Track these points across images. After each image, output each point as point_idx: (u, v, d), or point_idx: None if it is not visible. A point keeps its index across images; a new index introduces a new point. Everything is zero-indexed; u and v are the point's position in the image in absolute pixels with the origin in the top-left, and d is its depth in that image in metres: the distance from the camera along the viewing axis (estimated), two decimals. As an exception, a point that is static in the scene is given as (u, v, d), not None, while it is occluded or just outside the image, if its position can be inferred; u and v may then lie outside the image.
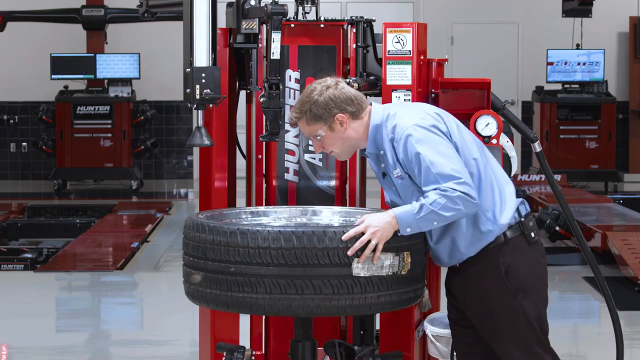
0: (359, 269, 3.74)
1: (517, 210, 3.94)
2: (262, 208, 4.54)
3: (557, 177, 12.72)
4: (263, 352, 4.82)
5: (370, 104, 4.03)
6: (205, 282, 3.84)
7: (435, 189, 3.75)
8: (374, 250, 3.74)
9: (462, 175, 3.75)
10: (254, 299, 3.76)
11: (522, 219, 3.92)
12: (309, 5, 4.72)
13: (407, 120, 3.88)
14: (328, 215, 4.45)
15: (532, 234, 3.93)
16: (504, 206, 3.90)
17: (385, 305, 3.85)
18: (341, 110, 3.94)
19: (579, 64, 14.90)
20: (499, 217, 3.89)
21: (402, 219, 3.78)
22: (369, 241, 3.74)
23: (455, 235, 3.91)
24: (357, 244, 3.73)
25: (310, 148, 4.73)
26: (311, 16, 4.73)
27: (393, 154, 3.90)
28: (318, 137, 3.99)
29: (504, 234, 3.89)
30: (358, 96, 3.99)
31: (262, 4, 4.32)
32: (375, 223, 3.77)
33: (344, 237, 3.73)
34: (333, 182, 4.74)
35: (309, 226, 4.22)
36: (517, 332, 3.89)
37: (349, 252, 3.72)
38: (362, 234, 3.74)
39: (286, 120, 4.70)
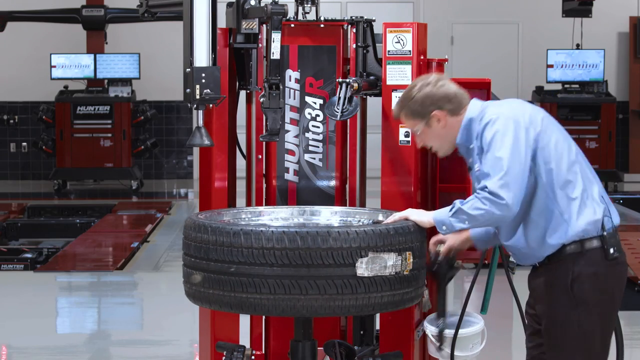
0: (362, 269, 3.75)
1: (603, 223, 3.84)
2: (261, 208, 4.54)
3: (557, 177, 12.69)
4: (263, 352, 4.82)
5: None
6: (208, 282, 3.84)
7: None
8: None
9: (502, 186, 3.70)
10: (258, 299, 3.76)
11: (605, 233, 3.83)
12: (309, 5, 4.72)
13: (497, 111, 3.85)
14: (327, 215, 4.45)
15: (612, 250, 3.84)
16: (583, 209, 3.81)
17: (388, 305, 3.86)
18: (438, 108, 3.91)
19: (579, 65, 14.91)
20: (576, 219, 3.80)
21: (438, 217, 3.88)
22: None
23: (528, 232, 3.85)
24: (396, 217, 3.99)
25: (311, 148, 4.73)
26: (311, 16, 4.73)
27: (479, 145, 3.86)
28: (417, 132, 4.00)
29: (582, 243, 3.81)
30: (458, 93, 3.94)
31: (262, 4, 4.32)
32: (414, 211, 4.00)
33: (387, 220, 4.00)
34: (333, 182, 4.74)
35: (313, 226, 4.22)
36: (566, 344, 3.83)
37: (386, 220, 4.01)
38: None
39: (286, 121, 4.71)
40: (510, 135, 3.76)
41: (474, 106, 3.94)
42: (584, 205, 3.81)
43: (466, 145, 3.94)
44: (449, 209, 3.85)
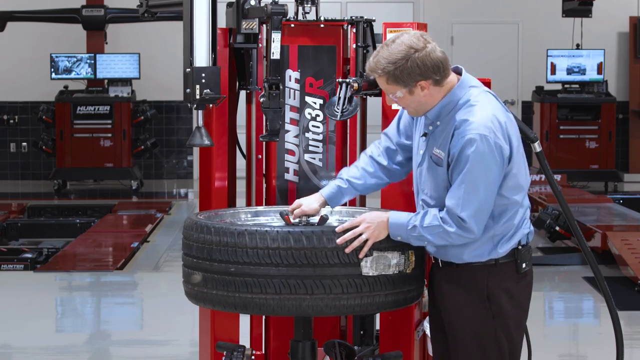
0: (367, 268, 3.76)
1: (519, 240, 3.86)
2: (261, 208, 4.54)
3: (557, 177, 12.72)
4: (263, 352, 4.82)
5: (460, 74, 3.79)
6: (211, 283, 3.83)
7: (445, 210, 3.70)
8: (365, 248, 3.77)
9: (474, 222, 3.67)
10: (263, 299, 3.75)
11: (519, 247, 3.83)
12: (309, 5, 4.72)
13: (479, 123, 3.65)
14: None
15: (524, 265, 3.84)
16: (514, 238, 3.83)
17: (391, 304, 3.86)
18: (426, 78, 3.68)
19: (579, 65, 14.91)
20: (502, 246, 3.81)
21: (394, 227, 3.79)
22: (361, 235, 3.76)
23: None
24: (349, 234, 3.75)
25: (311, 148, 4.73)
26: (311, 16, 4.73)
27: (448, 140, 3.72)
28: (394, 97, 3.78)
29: (496, 259, 3.81)
30: (445, 62, 3.70)
31: (262, 4, 4.32)
32: (369, 219, 3.79)
33: (338, 229, 3.76)
34: (333, 182, 4.73)
35: (318, 226, 4.22)
36: (482, 355, 3.84)
37: (338, 240, 3.73)
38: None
39: (286, 121, 4.71)
40: (489, 169, 3.66)
41: (460, 89, 3.77)
42: (515, 233, 3.82)
43: (432, 120, 3.81)
44: (407, 226, 3.75)
